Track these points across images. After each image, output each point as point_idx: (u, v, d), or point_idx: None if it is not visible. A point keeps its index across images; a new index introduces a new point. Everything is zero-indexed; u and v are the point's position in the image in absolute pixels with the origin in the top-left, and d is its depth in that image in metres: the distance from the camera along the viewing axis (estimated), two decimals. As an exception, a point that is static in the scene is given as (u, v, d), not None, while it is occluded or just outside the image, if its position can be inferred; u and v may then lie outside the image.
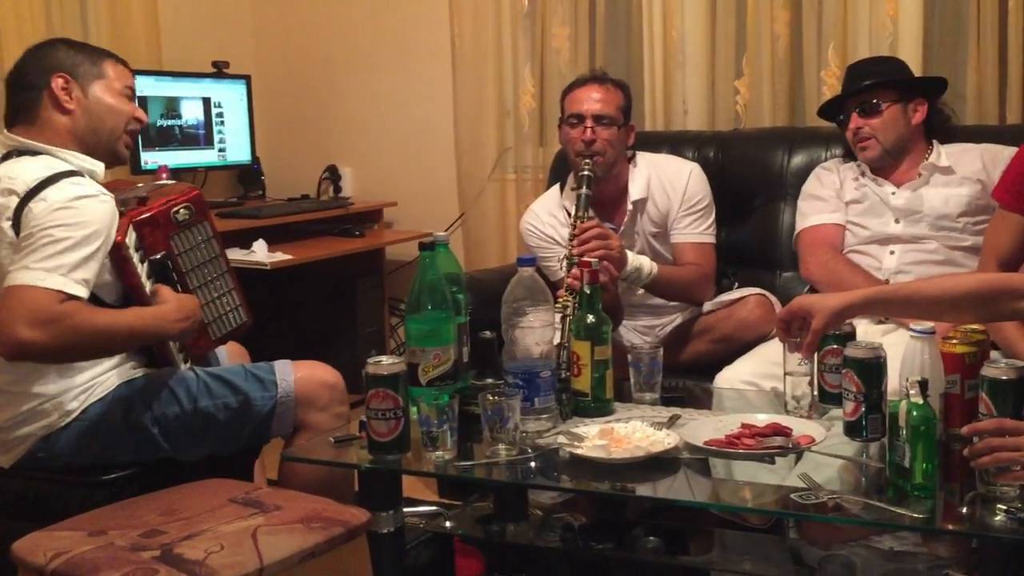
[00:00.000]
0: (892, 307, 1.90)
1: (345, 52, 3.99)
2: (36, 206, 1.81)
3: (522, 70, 3.58)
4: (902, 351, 1.72)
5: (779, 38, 3.14)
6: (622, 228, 2.65)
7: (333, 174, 4.00)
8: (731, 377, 2.33)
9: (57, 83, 1.96)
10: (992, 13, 2.87)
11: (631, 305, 2.69)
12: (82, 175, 1.92)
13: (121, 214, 1.95)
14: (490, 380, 1.92)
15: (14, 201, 1.83)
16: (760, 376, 2.27)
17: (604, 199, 2.62)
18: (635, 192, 2.67)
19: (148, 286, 1.97)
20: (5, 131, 1.98)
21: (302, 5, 4.04)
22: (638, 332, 2.75)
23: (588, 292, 1.96)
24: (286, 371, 2.07)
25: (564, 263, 2.37)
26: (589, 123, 2.57)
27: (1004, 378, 1.57)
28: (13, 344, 1.75)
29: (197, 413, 1.99)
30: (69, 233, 1.79)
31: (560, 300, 2.18)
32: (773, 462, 1.71)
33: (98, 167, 2.00)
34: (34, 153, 1.93)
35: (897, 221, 2.52)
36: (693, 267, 2.65)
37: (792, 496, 1.57)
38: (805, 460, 1.71)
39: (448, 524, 2.18)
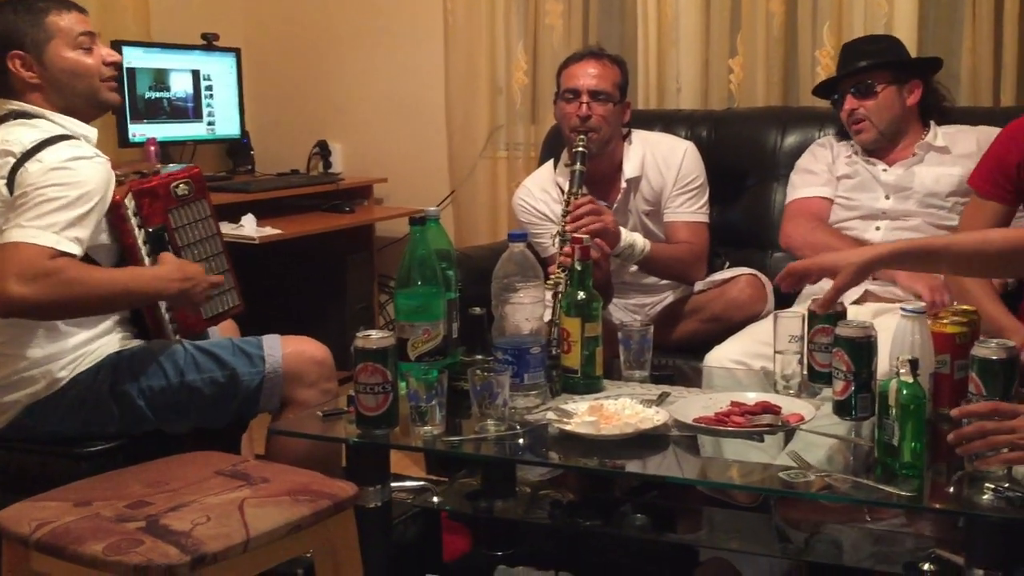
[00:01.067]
0: (920, 261, 1.85)
1: (337, 27, 3.96)
2: (31, 166, 1.81)
3: (515, 47, 3.55)
4: (892, 334, 1.72)
5: (774, 16, 3.13)
6: (615, 205, 2.64)
7: (323, 149, 3.97)
8: (721, 356, 2.32)
9: (14, 64, 1.92)
10: (988, -7, 2.87)
11: (622, 283, 2.69)
12: (78, 139, 1.92)
13: (120, 182, 1.95)
14: (479, 356, 1.91)
15: (10, 161, 1.83)
16: (750, 355, 2.27)
17: (598, 176, 2.60)
18: (629, 170, 2.66)
19: (144, 251, 1.97)
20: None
21: (293, -23, 4.01)
22: (628, 310, 2.75)
23: (579, 269, 1.95)
24: (274, 346, 2.06)
25: (557, 239, 2.36)
26: (585, 99, 2.55)
27: (994, 358, 1.57)
28: (4, 299, 1.74)
29: (184, 386, 1.98)
30: (63, 193, 1.79)
31: (552, 276, 2.18)
32: (762, 440, 1.71)
33: (91, 132, 1.99)
34: (29, 116, 1.93)
35: (887, 197, 2.53)
36: (686, 245, 2.64)
37: (780, 474, 1.56)
38: (794, 439, 1.71)
39: (436, 499, 2.17)
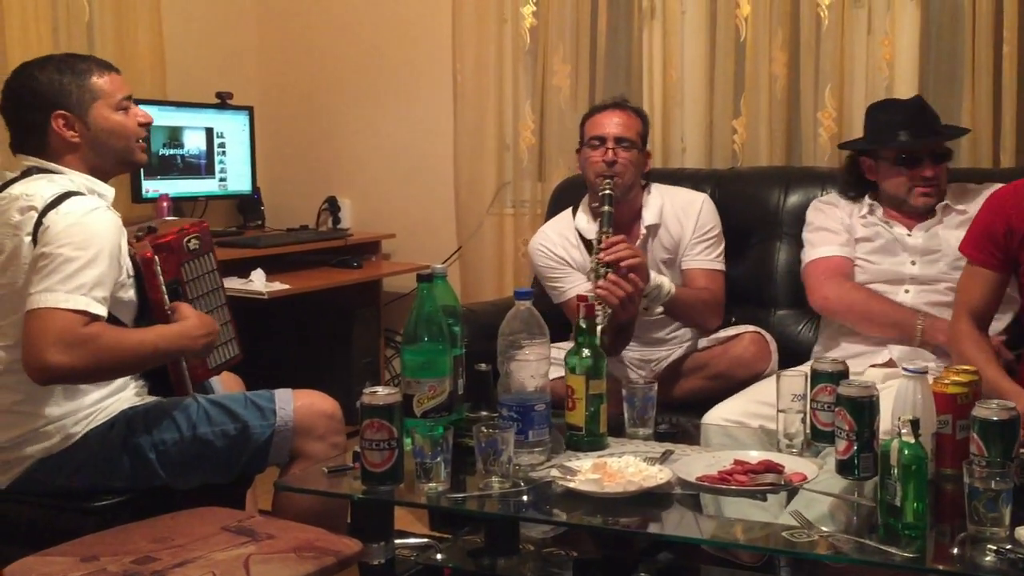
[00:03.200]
0: None
1: (347, 85, 4.03)
2: (51, 222, 1.84)
3: (522, 106, 3.61)
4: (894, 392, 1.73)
5: (777, 79, 3.19)
6: None
7: (332, 205, 4.02)
8: (716, 416, 2.32)
9: (58, 123, 1.95)
10: (987, 57, 2.92)
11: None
12: (88, 195, 1.95)
13: (137, 237, 1.99)
14: (484, 412, 1.92)
15: (34, 216, 1.86)
16: (747, 415, 2.28)
17: (618, 222, 2.64)
18: (649, 217, 2.73)
19: (168, 305, 2.00)
20: (26, 155, 2.00)
21: (306, 38, 4.09)
22: (633, 366, 2.76)
23: (584, 326, 1.97)
24: (286, 400, 2.08)
25: (592, 274, 2.44)
26: (611, 144, 2.63)
27: (995, 419, 1.59)
28: (44, 368, 1.77)
29: (196, 440, 2.00)
30: (80, 252, 1.82)
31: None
32: (765, 499, 1.71)
33: (109, 192, 2.03)
34: (48, 172, 1.96)
35: (913, 263, 2.50)
36: (706, 291, 2.69)
37: (783, 533, 1.57)
38: (797, 497, 1.71)
39: (439, 556, 2.17)
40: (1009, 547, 1.44)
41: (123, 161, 2.05)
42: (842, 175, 2.70)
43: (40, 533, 1.88)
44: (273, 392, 2.10)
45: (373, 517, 1.85)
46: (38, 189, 1.90)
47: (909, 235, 2.53)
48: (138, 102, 2.07)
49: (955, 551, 1.50)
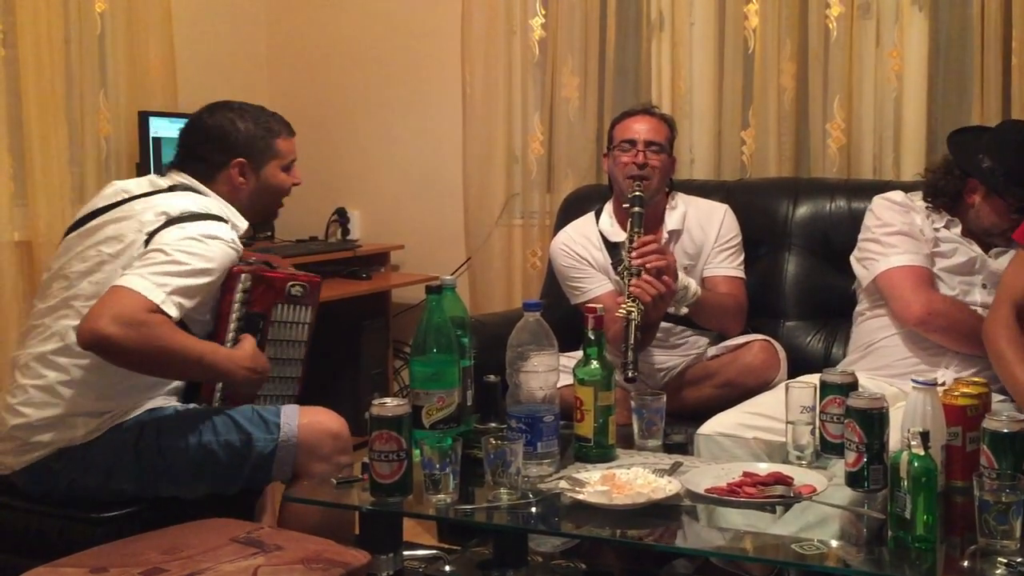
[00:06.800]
0: None
1: (356, 97, 4.05)
2: (172, 230, 1.93)
3: (531, 117, 3.63)
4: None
5: (785, 91, 3.19)
6: None
7: (342, 216, 4.04)
8: (715, 428, 2.31)
9: (234, 170, 2.10)
10: (995, 69, 2.92)
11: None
12: (227, 222, 2.04)
13: (249, 264, 2.08)
14: (493, 424, 1.92)
15: (162, 220, 1.96)
16: (744, 427, 2.27)
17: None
18: (672, 222, 2.75)
19: (232, 326, 2.05)
20: (183, 173, 2.10)
21: (316, 51, 4.11)
22: (641, 374, 2.75)
23: (593, 338, 1.97)
24: (291, 415, 2.08)
25: (625, 273, 2.46)
26: (641, 147, 2.66)
27: (1005, 431, 1.58)
28: (93, 333, 1.81)
29: (200, 448, 2.00)
30: (187, 260, 1.90)
31: (623, 306, 2.36)
32: (774, 511, 1.70)
33: (244, 223, 2.13)
34: (195, 191, 2.07)
35: (984, 285, 2.39)
36: (729, 297, 2.71)
37: (793, 546, 1.56)
38: (807, 510, 1.70)
39: (447, 568, 2.17)
40: (1020, 560, 1.44)
41: (264, 213, 2.21)
42: (939, 180, 2.45)
43: (50, 544, 1.89)
44: (280, 407, 2.10)
45: (382, 529, 1.85)
46: (179, 202, 2.00)
47: (989, 256, 2.41)
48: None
49: (965, 564, 1.50)
